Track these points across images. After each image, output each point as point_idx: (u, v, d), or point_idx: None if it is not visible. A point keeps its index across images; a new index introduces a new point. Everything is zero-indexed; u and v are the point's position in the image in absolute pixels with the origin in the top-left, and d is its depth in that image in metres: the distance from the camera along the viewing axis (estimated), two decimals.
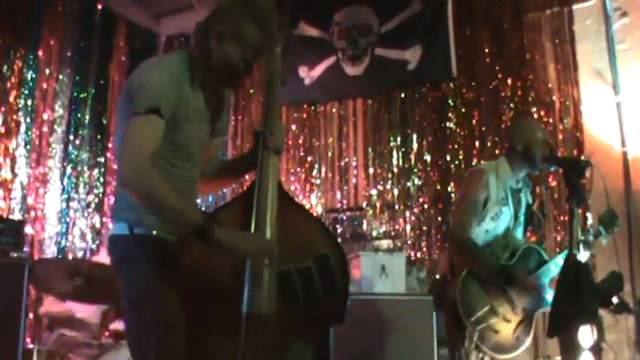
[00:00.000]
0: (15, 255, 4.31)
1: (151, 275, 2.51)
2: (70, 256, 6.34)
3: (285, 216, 2.65)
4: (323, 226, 2.98)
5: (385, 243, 6.04)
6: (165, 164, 2.58)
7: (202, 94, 2.69)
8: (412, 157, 6.55)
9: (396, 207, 6.51)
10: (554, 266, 4.01)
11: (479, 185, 4.02)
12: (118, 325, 4.93)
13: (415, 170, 6.51)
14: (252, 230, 2.55)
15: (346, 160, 6.89)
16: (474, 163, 6.13)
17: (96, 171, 6.89)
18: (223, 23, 2.62)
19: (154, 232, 2.56)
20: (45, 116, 6.41)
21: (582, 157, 5.49)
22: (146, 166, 2.40)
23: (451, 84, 6.48)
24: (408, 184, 6.51)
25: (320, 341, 2.76)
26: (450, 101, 6.47)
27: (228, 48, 2.61)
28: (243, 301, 2.51)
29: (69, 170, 6.61)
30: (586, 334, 3.43)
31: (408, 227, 6.40)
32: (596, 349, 3.47)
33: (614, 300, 3.81)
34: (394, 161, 6.62)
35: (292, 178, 6.96)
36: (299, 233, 2.68)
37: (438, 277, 5.13)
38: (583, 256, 3.35)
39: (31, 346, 4.72)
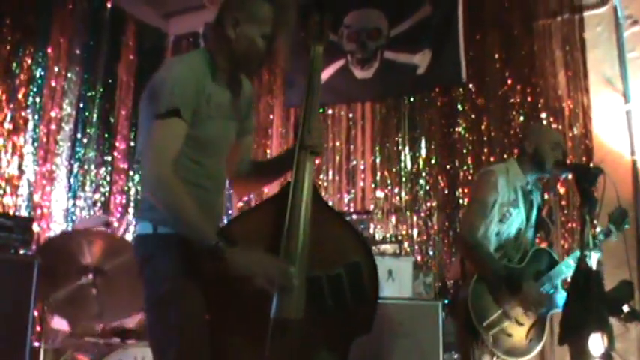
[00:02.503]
0: (24, 252, 4.29)
1: (173, 276, 2.51)
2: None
3: (319, 220, 2.62)
4: (356, 234, 2.92)
5: (392, 247, 6.02)
6: (188, 162, 2.57)
7: (226, 90, 2.71)
8: (420, 161, 6.53)
9: (404, 211, 6.50)
10: (565, 267, 4.02)
11: (488, 187, 4.02)
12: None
13: (423, 175, 6.48)
14: (285, 232, 2.53)
15: (354, 163, 6.87)
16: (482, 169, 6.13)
17: (102, 170, 6.90)
18: (236, 9, 2.67)
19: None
20: (53, 114, 6.42)
21: (591, 165, 5.48)
22: (168, 174, 2.42)
23: (460, 89, 6.44)
24: (416, 188, 6.49)
25: (346, 350, 2.69)
26: (459, 106, 6.44)
27: (245, 30, 2.65)
28: (271, 305, 2.48)
29: (76, 168, 6.62)
30: (596, 342, 3.42)
31: (415, 232, 6.39)
32: (606, 358, 3.45)
33: (625, 308, 3.80)
34: (402, 165, 6.60)
35: None
36: (332, 239, 2.66)
37: (448, 282, 5.14)
38: (593, 257, 3.35)
39: (37, 344, 4.71)
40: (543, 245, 4.47)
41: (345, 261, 2.59)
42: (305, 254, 2.53)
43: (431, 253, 6.27)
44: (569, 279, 3.99)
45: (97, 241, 4.46)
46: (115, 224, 6.38)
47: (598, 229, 5.04)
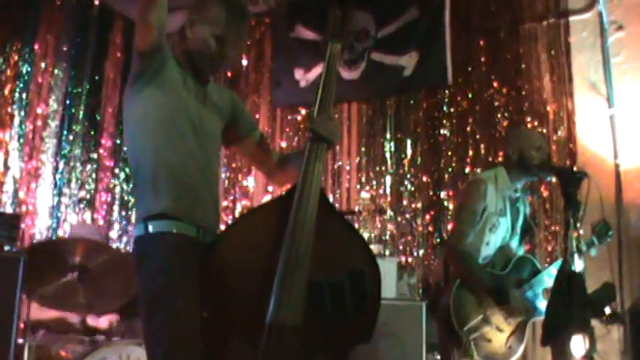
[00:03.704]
0: (10, 249, 4.28)
1: (165, 275, 2.51)
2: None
3: (324, 223, 2.54)
4: (362, 240, 2.86)
5: (376, 247, 6.04)
6: (167, 149, 2.65)
7: (198, 86, 2.82)
8: (405, 162, 6.56)
9: (389, 212, 6.52)
10: (548, 276, 4.05)
11: (477, 195, 4.05)
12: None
13: (408, 176, 6.51)
14: (289, 231, 2.48)
15: (339, 163, 6.88)
16: (467, 171, 6.18)
17: (88, 167, 6.87)
18: (193, 11, 2.80)
19: (174, 230, 2.56)
20: (39, 110, 6.40)
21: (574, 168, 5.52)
22: None
23: (446, 91, 6.49)
24: (401, 189, 6.52)
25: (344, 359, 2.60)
26: (444, 108, 6.48)
27: (198, 30, 2.75)
28: (268, 309, 2.41)
29: (61, 165, 6.58)
30: (578, 344, 3.46)
31: (400, 232, 6.42)
32: (588, 359, 3.49)
33: (607, 310, 3.85)
34: (387, 166, 6.63)
35: None
36: (336, 244, 2.58)
37: (430, 282, 5.16)
38: (578, 265, 3.38)
39: (20, 340, 4.69)
40: (527, 248, 4.52)
41: (349, 267, 2.52)
42: (308, 257, 2.46)
43: (415, 254, 6.30)
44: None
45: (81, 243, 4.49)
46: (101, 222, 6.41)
47: (581, 233, 5.11)
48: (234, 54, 2.86)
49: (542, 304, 4.00)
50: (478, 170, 6.00)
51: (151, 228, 2.57)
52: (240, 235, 2.57)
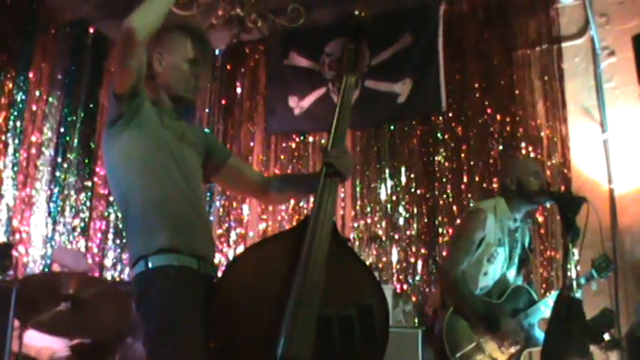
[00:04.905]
0: (2, 278, 4.24)
1: (170, 308, 2.48)
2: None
3: (335, 257, 2.54)
4: (371, 275, 2.85)
5: None
6: (150, 181, 2.66)
7: (175, 124, 2.83)
8: (400, 190, 6.55)
9: (384, 239, 6.50)
10: (544, 306, 4.02)
11: (476, 224, 4.03)
12: None
13: (403, 203, 6.50)
14: (302, 266, 2.48)
15: None
16: (461, 197, 6.17)
17: (82, 195, 6.85)
18: (156, 46, 2.79)
19: (175, 263, 2.53)
20: (33, 138, 6.39)
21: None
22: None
23: (440, 118, 6.49)
24: (396, 216, 6.50)
25: None
26: (438, 135, 6.48)
27: (169, 60, 2.79)
28: (277, 341, 2.40)
29: (55, 193, 6.56)
30: None
31: (395, 260, 6.39)
32: None
33: (606, 337, 3.84)
34: (382, 194, 6.62)
35: (280, 208, 6.93)
36: (346, 278, 2.59)
37: (427, 310, 5.14)
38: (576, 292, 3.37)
39: None
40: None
41: (358, 302, 2.53)
42: (319, 292, 2.46)
43: (410, 281, 6.26)
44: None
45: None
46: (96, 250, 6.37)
47: (575, 259, 5.10)
48: (205, 78, 2.87)
49: (538, 334, 3.98)
50: (472, 196, 6.01)
51: (151, 264, 2.54)
52: (249, 266, 2.56)
